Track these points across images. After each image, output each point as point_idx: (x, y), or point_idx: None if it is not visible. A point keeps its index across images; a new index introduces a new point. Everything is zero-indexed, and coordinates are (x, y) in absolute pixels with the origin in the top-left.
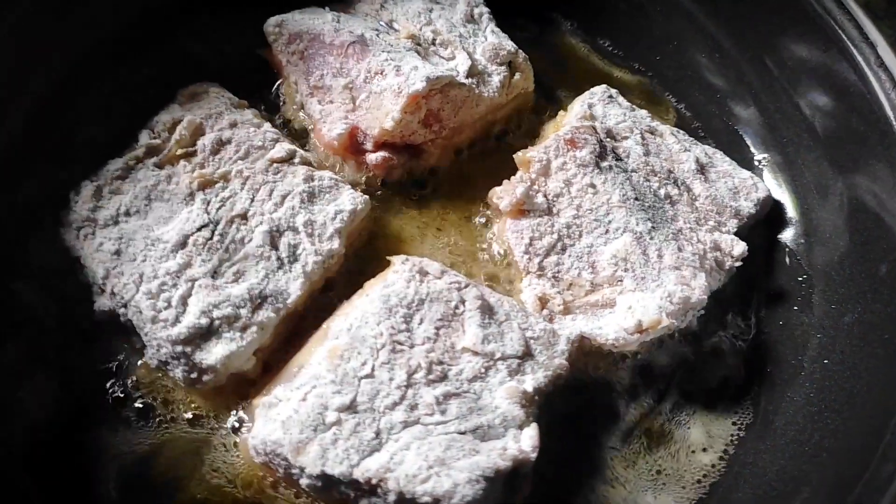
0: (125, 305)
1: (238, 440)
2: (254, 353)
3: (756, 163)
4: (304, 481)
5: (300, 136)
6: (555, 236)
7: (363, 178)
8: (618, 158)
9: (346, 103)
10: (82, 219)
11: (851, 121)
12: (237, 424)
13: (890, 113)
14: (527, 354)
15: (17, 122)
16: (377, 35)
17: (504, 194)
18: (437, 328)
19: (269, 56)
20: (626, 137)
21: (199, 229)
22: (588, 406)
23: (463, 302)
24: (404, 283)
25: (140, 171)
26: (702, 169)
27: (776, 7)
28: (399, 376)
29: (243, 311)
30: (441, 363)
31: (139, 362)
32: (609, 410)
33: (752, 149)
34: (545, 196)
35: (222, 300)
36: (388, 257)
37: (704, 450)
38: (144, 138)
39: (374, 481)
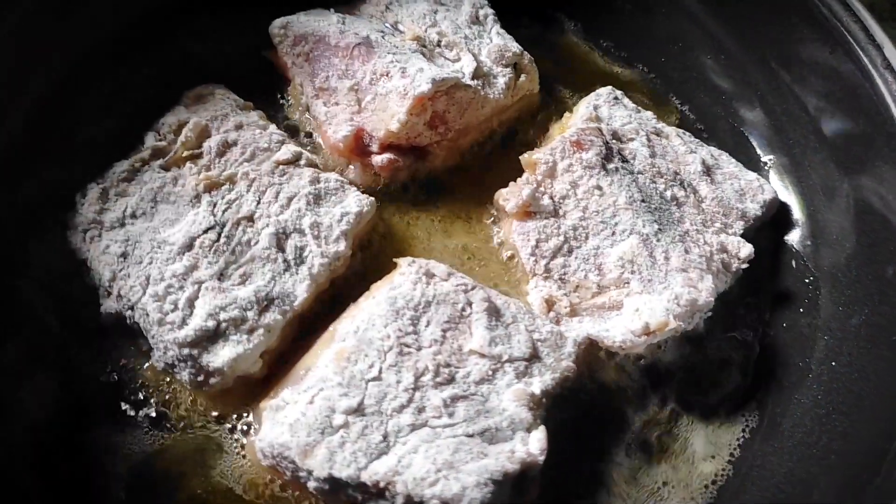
0: (132, 308)
1: (245, 443)
2: (260, 355)
3: (762, 164)
4: (311, 484)
5: (298, 136)
6: (561, 238)
7: (369, 180)
8: (624, 160)
9: (351, 105)
10: (88, 221)
11: (858, 122)
12: (244, 427)
13: None
14: (534, 357)
15: (17, 122)
16: (382, 37)
17: (510, 196)
18: (444, 330)
19: (275, 58)
20: (631, 139)
21: (205, 231)
22: (593, 409)
23: (470, 304)
24: (411, 286)
25: (146, 174)
26: (708, 171)
27: (782, 8)
28: (406, 379)
29: (250, 314)
30: (448, 365)
31: (146, 365)
32: (616, 413)
33: (759, 150)
34: (551, 198)
35: (229, 303)
36: (394, 259)
37: (713, 456)
38: (150, 140)
39: (381, 484)
